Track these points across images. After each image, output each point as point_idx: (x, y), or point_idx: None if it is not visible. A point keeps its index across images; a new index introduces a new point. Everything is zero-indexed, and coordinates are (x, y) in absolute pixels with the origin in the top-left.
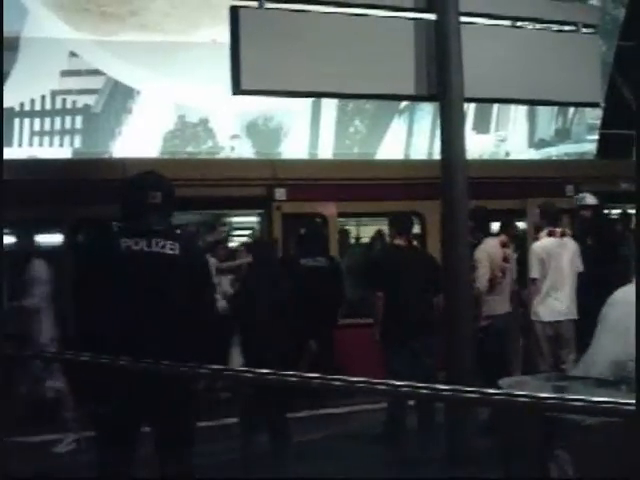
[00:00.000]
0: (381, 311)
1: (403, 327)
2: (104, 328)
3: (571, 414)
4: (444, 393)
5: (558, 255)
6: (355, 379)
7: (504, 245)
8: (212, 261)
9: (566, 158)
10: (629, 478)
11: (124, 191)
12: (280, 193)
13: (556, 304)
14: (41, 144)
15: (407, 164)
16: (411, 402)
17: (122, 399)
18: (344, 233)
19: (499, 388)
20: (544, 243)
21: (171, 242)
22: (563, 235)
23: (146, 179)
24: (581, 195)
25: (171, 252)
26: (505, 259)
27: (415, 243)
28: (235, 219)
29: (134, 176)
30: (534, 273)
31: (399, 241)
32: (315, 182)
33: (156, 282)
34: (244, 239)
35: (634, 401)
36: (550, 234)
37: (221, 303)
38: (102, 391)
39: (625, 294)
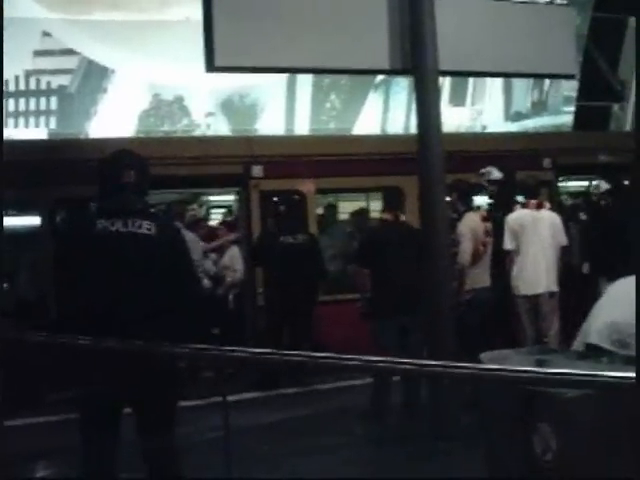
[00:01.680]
0: (366, 287)
1: (393, 302)
2: (83, 310)
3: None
4: (427, 368)
5: (533, 227)
6: (341, 356)
7: (485, 219)
8: (192, 237)
9: (543, 130)
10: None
11: (99, 171)
12: (257, 170)
13: (533, 277)
14: (16, 125)
15: (384, 139)
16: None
17: (103, 380)
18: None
19: (480, 362)
20: (517, 215)
21: (147, 222)
22: (540, 207)
23: (120, 158)
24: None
25: (147, 232)
26: (486, 233)
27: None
28: (212, 197)
29: (108, 155)
30: (507, 245)
31: (387, 216)
32: (292, 159)
33: (133, 262)
34: (222, 217)
35: (634, 374)
36: (525, 206)
37: (204, 282)
38: (82, 372)
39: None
